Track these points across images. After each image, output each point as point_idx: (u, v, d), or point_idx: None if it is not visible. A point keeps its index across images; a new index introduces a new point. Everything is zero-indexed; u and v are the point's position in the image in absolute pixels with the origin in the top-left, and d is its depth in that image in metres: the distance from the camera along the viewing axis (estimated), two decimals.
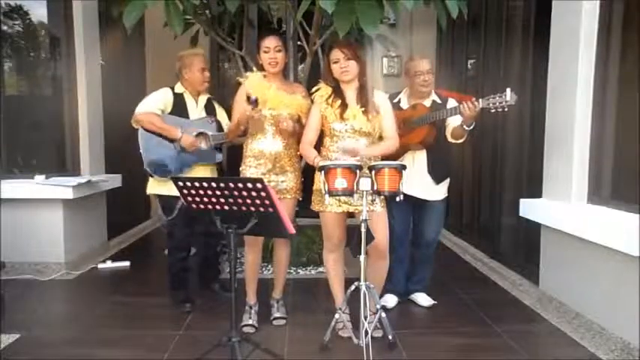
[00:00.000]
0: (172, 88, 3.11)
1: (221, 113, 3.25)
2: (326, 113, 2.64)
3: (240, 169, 2.86)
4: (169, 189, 2.88)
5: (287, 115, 2.74)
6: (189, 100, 3.11)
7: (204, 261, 3.43)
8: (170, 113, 3.05)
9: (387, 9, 2.92)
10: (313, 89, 2.73)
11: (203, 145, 3.05)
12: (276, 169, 2.78)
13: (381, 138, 2.70)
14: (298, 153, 2.86)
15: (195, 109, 3.13)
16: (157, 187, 3.06)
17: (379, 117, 2.64)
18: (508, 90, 2.58)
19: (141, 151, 3.01)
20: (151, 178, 3.08)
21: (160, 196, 3.09)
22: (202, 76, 3.07)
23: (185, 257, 3.19)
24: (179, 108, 3.07)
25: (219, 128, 3.15)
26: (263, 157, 2.77)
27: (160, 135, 2.99)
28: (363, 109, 2.60)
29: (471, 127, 2.79)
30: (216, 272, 3.47)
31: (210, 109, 3.18)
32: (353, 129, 2.60)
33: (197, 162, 3.06)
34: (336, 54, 2.60)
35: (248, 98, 2.64)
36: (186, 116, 3.07)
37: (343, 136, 2.61)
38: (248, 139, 2.85)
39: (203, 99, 3.18)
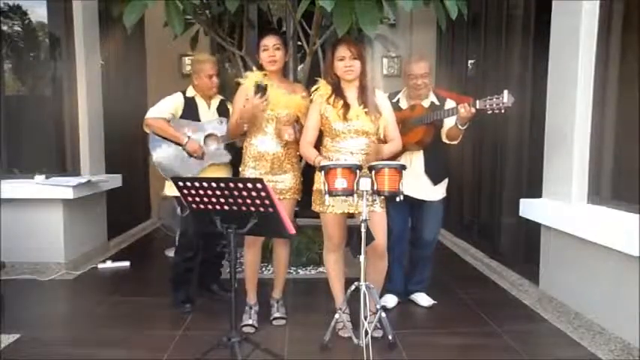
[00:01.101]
0: (184, 92, 3.13)
1: None
2: (327, 113, 2.63)
3: (240, 169, 2.86)
4: None
5: (286, 115, 2.74)
6: (200, 103, 3.12)
7: (205, 262, 3.42)
8: (182, 117, 3.06)
9: (386, 9, 2.92)
10: (313, 88, 2.73)
11: (213, 146, 3.06)
12: (275, 169, 2.78)
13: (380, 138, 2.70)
14: (297, 153, 2.86)
15: (208, 111, 3.13)
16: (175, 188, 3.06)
17: (381, 117, 2.64)
18: (505, 92, 2.58)
19: (152, 155, 3.04)
20: (167, 181, 3.10)
21: (177, 197, 3.09)
22: (210, 82, 3.08)
23: (192, 257, 3.18)
24: (190, 111, 3.08)
25: None
26: (262, 158, 2.77)
27: (168, 139, 3.02)
28: (365, 109, 2.60)
29: (465, 127, 2.80)
30: (216, 273, 3.46)
31: (223, 111, 3.17)
32: (355, 129, 2.60)
33: (208, 163, 3.06)
34: (343, 51, 2.58)
35: (257, 87, 2.62)
36: (197, 119, 3.08)
37: (345, 137, 2.61)
38: (247, 139, 2.85)
39: (216, 101, 3.19)
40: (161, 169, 3.06)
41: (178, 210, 3.16)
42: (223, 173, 3.10)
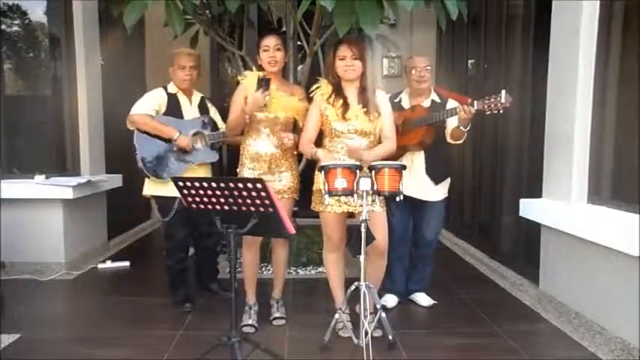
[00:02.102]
0: (165, 88, 3.11)
1: (214, 113, 3.25)
2: (327, 113, 2.64)
3: (237, 170, 2.85)
4: (166, 190, 2.89)
5: (283, 118, 2.75)
6: (182, 99, 3.11)
7: (202, 261, 3.42)
8: (165, 113, 3.05)
9: (387, 9, 2.92)
10: (313, 87, 2.73)
11: (199, 145, 3.06)
12: (273, 169, 2.78)
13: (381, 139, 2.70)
14: (295, 153, 2.86)
15: (190, 108, 3.13)
16: (154, 188, 3.05)
17: (380, 117, 2.64)
18: (503, 92, 2.58)
19: (137, 152, 3.00)
20: (147, 179, 3.07)
21: (156, 197, 3.08)
22: (182, 73, 3.05)
23: (184, 258, 3.19)
24: (173, 108, 3.07)
25: (214, 128, 3.15)
26: (260, 159, 2.77)
27: (155, 136, 2.99)
28: (364, 109, 2.60)
29: (468, 128, 2.80)
30: (214, 272, 3.46)
31: (203, 108, 3.18)
32: (355, 129, 2.60)
33: (194, 162, 3.05)
34: (344, 51, 2.58)
35: (259, 80, 2.61)
36: (181, 116, 3.07)
37: (344, 137, 2.61)
38: (245, 140, 2.84)
39: (197, 98, 3.18)
40: (145, 168, 3.00)
41: (158, 215, 3.12)
42: (204, 174, 3.09)
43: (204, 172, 3.12)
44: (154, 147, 3.00)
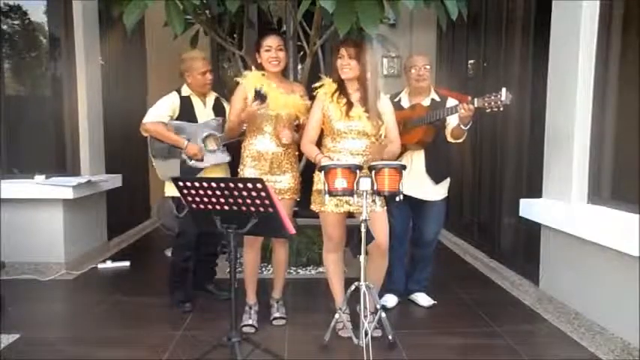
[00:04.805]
0: (179, 91, 3.11)
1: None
2: (329, 112, 2.64)
3: (239, 169, 2.85)
4: None
5: (285, 115, 2.74)
6: (196, 102, 3.11)
7: (199, 262, 3.41)
8: (178, 117, 3.06)
9: (387, 9, 2.93)
10: (317, 84, 2.72)
11: (213, 146, 3.06)
12: (275, 169, 2.78)
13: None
14: (297, 153, 2.86)
15: (204, 110, 3.13)
16: (174, 189, 3.06)
17: (383, 124, 2.65)
18: (503, 90, 2.58)
19: (154, 158, 3.07)
20: (166, 181, 3.11)
21: (174, 198, 3.08)
22: (204, 79, 3.07)
23: (189, 256, 3.18)
24: (187, 111, 3.07)
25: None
26: (261, 158, 2.77)
27: (167, 143, 3.02)
28: (367, 114, 2.61)
29: (468, 127, 2.80)
30: (210, 273, 3.45)
31: (218, 109, 3.17)
32: (357, 130, 2.61)
33: (207, 165, 3.06)
34: (342, 51, 2.62)
35: (256, 93, 2.63)
36: (195, 119, 3.07)
37: (346, 137, 2.61)
38: (246, 139, 2.84)
39: (211, 99, 3.18)
40: (161, 174, 3.07)
41: (175, 210, 3.14)
42: (221, 174, 3.10)
43: (223, 174, 3.12)
44: (168, 154, 3.04)
